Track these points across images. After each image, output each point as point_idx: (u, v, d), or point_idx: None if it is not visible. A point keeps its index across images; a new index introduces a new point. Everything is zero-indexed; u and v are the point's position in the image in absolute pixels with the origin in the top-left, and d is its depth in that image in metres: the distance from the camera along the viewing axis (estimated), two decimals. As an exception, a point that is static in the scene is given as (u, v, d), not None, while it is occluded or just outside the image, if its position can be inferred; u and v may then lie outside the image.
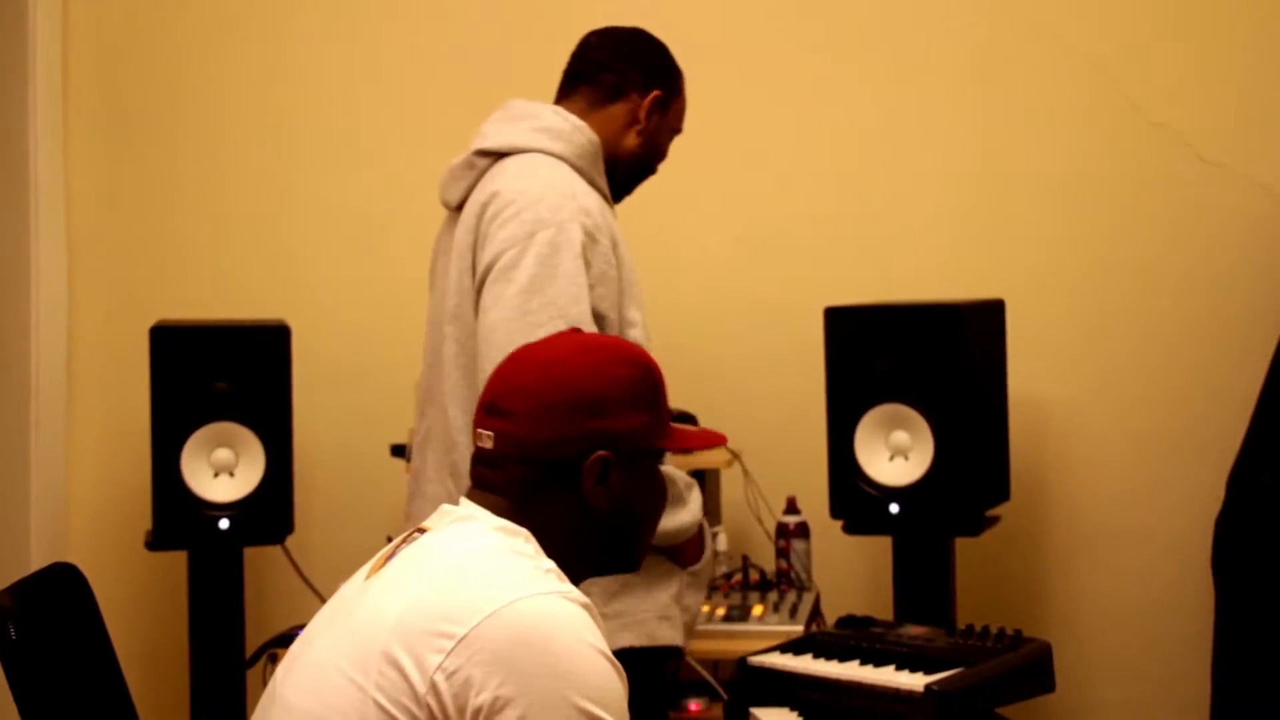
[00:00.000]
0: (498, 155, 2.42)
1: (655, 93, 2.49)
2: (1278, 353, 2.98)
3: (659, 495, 1.74)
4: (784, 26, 3.40)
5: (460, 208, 2.43)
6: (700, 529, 2.45)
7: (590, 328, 2.26)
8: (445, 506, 1.67)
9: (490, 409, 1.66)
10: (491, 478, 1.64)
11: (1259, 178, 3.21)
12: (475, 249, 2.34)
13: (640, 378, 1.68)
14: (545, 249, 2.27)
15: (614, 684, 1.49)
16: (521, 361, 1.69)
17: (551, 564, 1.57)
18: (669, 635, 2.34)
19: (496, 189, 2.37)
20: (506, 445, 1.63)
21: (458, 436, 2.33)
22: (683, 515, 2.38)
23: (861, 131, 3.37)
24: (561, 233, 2.29)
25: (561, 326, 2.23)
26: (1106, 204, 3.27)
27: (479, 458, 1.67)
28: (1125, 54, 3.27)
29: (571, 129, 2.44)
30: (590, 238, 2.30)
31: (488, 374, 2.17)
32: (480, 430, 1.66)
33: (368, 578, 1.60)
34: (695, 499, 2.43)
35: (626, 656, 2.21)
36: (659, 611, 2.34)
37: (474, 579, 1.51)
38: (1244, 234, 3.21)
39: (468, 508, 1.63)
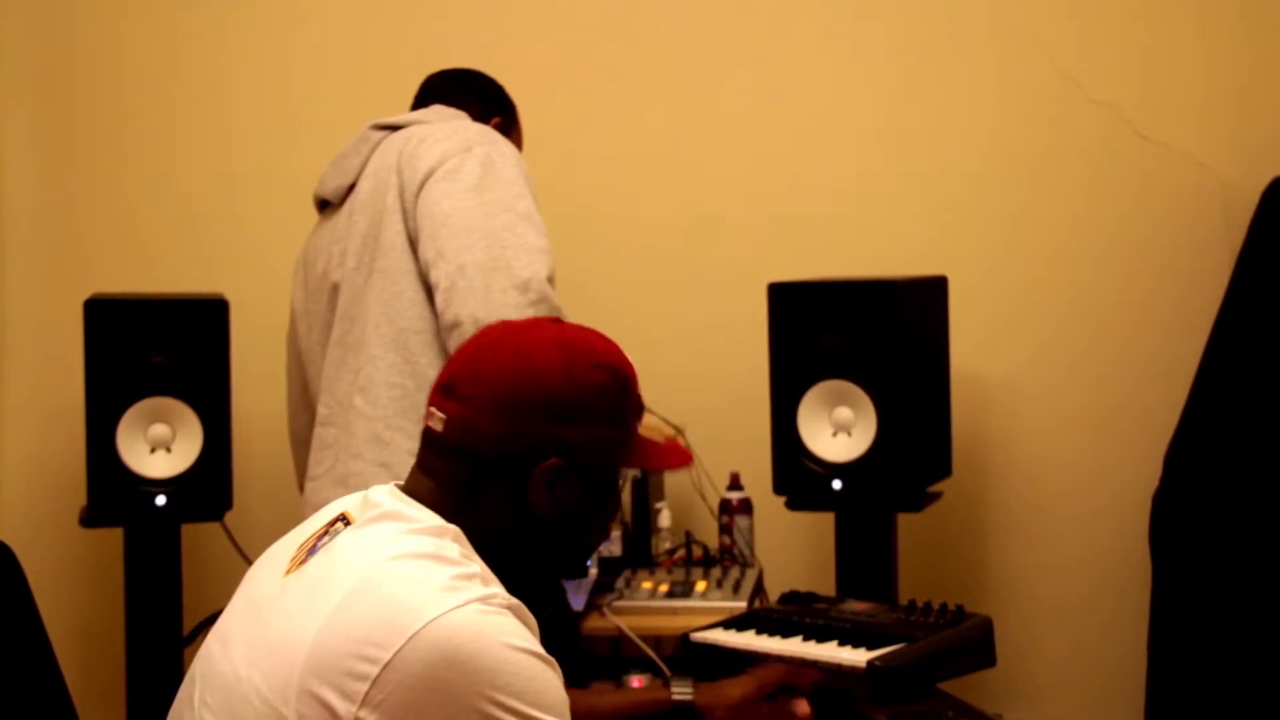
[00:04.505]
0: (395, 128, 2.47)
1: (494, 119, 2.58)
2: (1215, 329, 3.02)
3: (610, 509, 1.62)
4: (727, 1, 3.39)
5: (350, 191, 2.46)
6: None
7: (538, 222, 2.29)
8: (372, 494, 1.56)
9: (447, 390, 1.55)
10: (433, 465, 1.55)
11: (1197, 155, 3.23)
12: (399, 173, 2.36)
13: (614, 388, 1.57)
14: (484, 160, 2.32)
15: (548, 683, 1.43)
16: (490, 344, 1.57)
17: (477, 566, 1.47)
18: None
19: (408, 135, 2.41)
20: (456, 433, 1.53)
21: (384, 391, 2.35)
22: None
23: (806, 107, 3.36)
24: (496, 148, 2.35)
25: (512, 220, 2.26)
26: (1048, 181, 3.29)
27: (426, 439, 1.57)
28: (1066, 32, 3.28)
29: (456, 113, 2.52)
30: (519, 160, 2.37)
31: (450, 259, 2.19)
32: (432, 410, 1.56)
33: (288, 572, 1.52)
34: None
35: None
36: None
37: (389, 595, 1.41)
38: (1182, 211, 3.24)
39: (393, 501, 1.53)
